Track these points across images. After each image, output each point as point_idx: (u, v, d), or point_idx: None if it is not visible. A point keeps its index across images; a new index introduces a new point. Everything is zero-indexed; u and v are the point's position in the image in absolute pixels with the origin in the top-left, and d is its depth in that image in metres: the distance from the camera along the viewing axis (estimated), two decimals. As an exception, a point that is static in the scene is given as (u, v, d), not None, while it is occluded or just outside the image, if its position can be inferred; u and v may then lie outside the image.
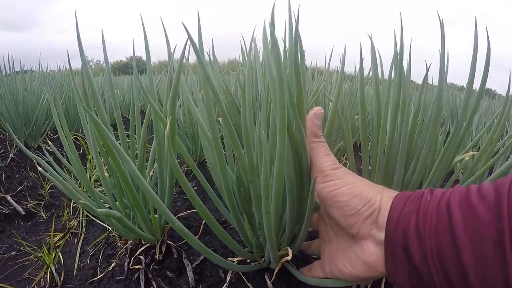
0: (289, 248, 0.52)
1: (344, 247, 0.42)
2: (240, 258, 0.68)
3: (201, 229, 0.77)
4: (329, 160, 0.41)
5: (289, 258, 0.50)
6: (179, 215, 0.80)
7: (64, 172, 0.78)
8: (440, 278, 0.29)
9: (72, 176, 1.24)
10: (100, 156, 0.66)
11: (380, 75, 0.63)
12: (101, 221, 1.05)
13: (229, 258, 0.67)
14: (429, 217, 0.31)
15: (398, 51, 0.54)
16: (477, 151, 0.64)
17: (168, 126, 0.33)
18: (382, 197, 0.36)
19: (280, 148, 0.35)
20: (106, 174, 0.67)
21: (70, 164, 0.74)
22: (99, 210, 0.40)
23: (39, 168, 0.69)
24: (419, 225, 0.31)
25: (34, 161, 0.66)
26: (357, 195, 0.37)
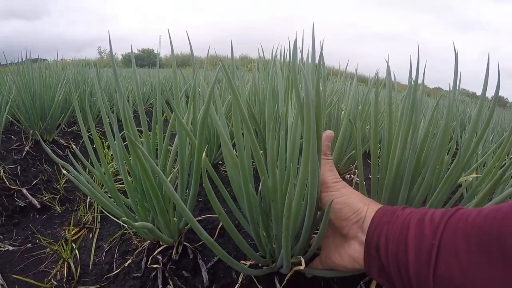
0: (302, 258, 0.56)
1: (337, 243, 0.52)
2: (253, 261, 0.72)
3: (216, 232, 0.81)
4: (332, 175, 0.51)
5: (302, 267, 0.54)
6: (196, 219, 0.85)
7: (79, 166, 0.82)
8: (395, 272, 0.40)
9: (87, 171, 1.28)
10: (124, 162, 0.70)
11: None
12: (115, 217, 1.10)
13: (242, 261, 0.72)
14: (395, 229, 0.41)
15: (413, 78, 0.57)
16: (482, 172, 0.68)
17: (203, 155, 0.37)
18: (368, 209, 0.47)
19: (303, 174, 0.39)
20: (129, 178, 0.71)
21: (93, 167, 0.77)
22: (136, 224, 0.44)
23: (65, 173, 0.73)
24: (388, 234, 0.41)
25: (61, 166, 0.70)
26: (348, 205, 0.47)
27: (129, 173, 0.74)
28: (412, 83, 0.60)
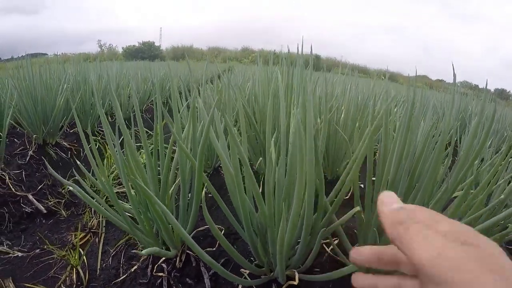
0: (296, 273, 0.59)
1: None
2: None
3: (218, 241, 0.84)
4: (429, 248, 0.22)
5: (295, 283, 0.57)
6: (198, 229, 0.88)
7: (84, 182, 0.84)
8: None
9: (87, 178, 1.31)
10: (129, 180, 0.72)
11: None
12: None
13: (241, 270, 0.75)
14: None
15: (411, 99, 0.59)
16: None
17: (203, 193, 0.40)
18: None
19: (297, 206, 0.41)
20: (132, 192, 0.74)
21: (95, 178, 0.80)
22: (143, 251, 0.47)
23: (72, 190, 0.76)
24: None
25: (66, 186, 0.72)
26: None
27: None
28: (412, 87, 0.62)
